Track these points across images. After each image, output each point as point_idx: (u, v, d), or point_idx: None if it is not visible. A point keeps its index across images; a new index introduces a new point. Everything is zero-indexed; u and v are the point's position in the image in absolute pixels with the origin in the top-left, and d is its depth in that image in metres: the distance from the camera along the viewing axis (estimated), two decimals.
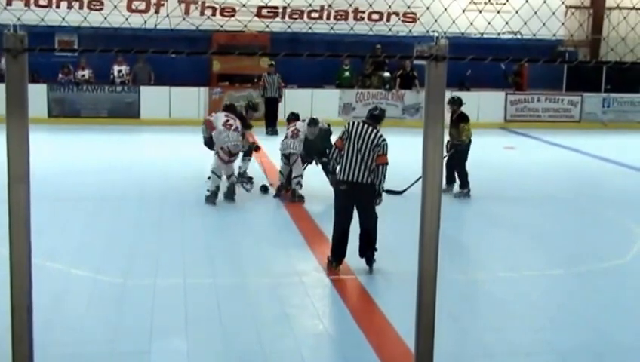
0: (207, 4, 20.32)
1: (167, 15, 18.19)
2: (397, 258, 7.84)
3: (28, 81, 3.70)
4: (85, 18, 5.34)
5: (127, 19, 4.97)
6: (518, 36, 6.49)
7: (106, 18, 4.58)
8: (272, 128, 18.53)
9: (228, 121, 10.78)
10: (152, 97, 19.60)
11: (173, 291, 6.96)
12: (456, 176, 11.66)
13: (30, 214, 3.76)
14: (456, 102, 11.48)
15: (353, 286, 7.37)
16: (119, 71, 20.08)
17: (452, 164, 11.49)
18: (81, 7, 19.58)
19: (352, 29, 17.61)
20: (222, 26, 15.52)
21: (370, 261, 7.60)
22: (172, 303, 6.64)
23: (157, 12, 19.75)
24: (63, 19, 5.36)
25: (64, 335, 5.85)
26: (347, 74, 20.93)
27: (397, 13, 19.54)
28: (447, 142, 11.32)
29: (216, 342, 5.87)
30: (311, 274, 7.65)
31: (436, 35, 3.89)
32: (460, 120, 11.44)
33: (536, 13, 4.89)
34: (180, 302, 6.68)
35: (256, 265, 7.93)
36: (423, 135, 4.02)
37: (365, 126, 7.42)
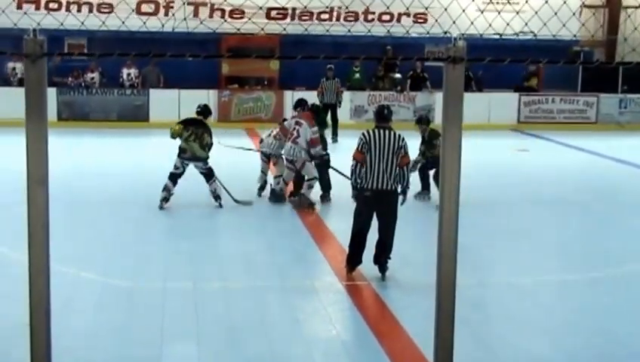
0: (216, 7, 20.17)
1: (185, 18, 18.05)
2: (410, 265, 7.78)
3: (47, 85, 3.78)
4: (104, 22, 5.35)
5: (144, 23, 5.09)
6: (532, 36, 6.38)
7: (123, 22, 4.75)
8: (333, 136, 17.03)
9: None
10: (161, 100, 19.52)
11: (184, 295, 6.94)
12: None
13: (49, 217, 3.81)
14: (425, 121, 11.34)
15: (366, 292, 7.29)
16: (128, 74, 20.06)
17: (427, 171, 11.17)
18: (90, 11, 19.48)
19: (369, 31, 17.49)
20: (239, 29, 15.40)
21: (383, 268, 7.49)
22: (182, 307, 6.65)
23: (166, 15, 19.64)
24: (82, 23, 5.47)
25: (74, 340, 5.77)
26: (357, 75, 20.65)
27: (408, 14, 19.32)
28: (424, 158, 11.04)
29: (226, 346, 5.85)
30: (323, 280, 7.59)
31: (449, 36, 3.86)
32: (434, 137, 10.77)
33: (556, 13, 4.83)
34: (190, 306, 6.67)
35: (267, 270, 7.88)
36: (441, 137, 3.97)
37: (382, 131, 7.27)
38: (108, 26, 5.44)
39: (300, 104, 11.29)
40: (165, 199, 10.30)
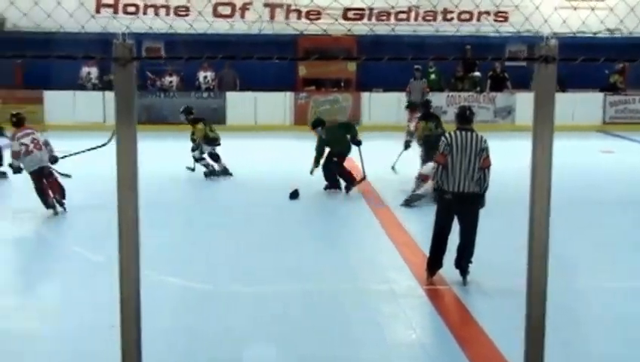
0: (292, 8, 20.12)
1: (268, 20, 18.09)
2: (492, 269, 7.57)
3: (135, 89, 3.79)
4: (191, 25, 5.34)
5: (231, 25, 4.98)
6: (617, 34, 6.10)
7: (211, 24, 4.56)
8: None
9: None
10: (238, 103, 19.62)
11: (259, 298, 6.93)
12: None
13: (139, 221, 3.77)
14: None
15: (447, 296, 7.12)
16: (205, 77, 20.18)
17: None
18: (167, 14, 19.69)
19: (458, 30, 17.20)
20: (325, 30, 15.33)
21: (464, 272, 7.33)
22: (258, 310, 6.62)
23: (242, 17, 19.69)
24: (170, 26, 5.54)
25: (153, 342, 5.63)
26: (433, 76, 20.30)
27: (488, 13, 18.89)
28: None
29: (307, 349, 5.83)
30: (402, 283, 7.45)
31: (534, 35, 3.82)
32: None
33: None
34: (267, 309, 6.66)
35: (345, 272, 7.80)
36: (532, 138, 3.86)
37: (464, 133, 7.13)
38: (196, 29, 5.44)
39: None
40: (211, 173, 12.70)
